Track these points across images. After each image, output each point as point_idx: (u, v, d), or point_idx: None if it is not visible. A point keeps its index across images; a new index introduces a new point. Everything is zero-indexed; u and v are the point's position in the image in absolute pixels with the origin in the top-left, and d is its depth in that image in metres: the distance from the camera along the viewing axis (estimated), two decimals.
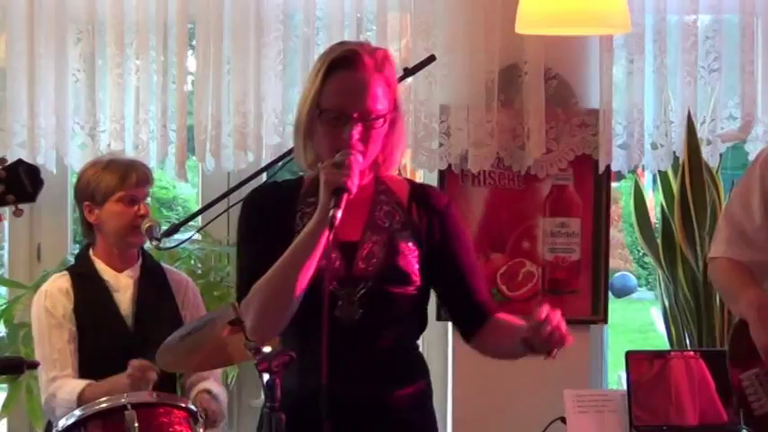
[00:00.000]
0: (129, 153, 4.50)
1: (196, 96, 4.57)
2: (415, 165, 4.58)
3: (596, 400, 4.16)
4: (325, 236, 2.67)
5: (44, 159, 4.53)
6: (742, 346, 3.50)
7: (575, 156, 4.52)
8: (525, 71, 4.47)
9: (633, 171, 4.69)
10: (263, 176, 4.16)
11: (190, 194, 8.71)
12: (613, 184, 4.76)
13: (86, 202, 3.87)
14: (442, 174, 4.55)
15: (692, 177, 4.44)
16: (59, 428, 3.53)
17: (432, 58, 4.11)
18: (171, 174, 4.66)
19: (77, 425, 3.51)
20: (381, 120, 2.83)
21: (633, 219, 4.72)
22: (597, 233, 4.57)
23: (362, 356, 2.85)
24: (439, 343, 4.62)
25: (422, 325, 3.02)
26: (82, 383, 3.72)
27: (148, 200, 3.94)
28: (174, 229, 3.98)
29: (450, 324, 4.26)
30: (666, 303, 4.61)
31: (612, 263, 5.23)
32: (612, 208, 4.85)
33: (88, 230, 3.92)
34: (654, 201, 5.09)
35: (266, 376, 2.59)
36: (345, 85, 2.81)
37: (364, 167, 2.81)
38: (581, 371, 4.50)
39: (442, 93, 4.50)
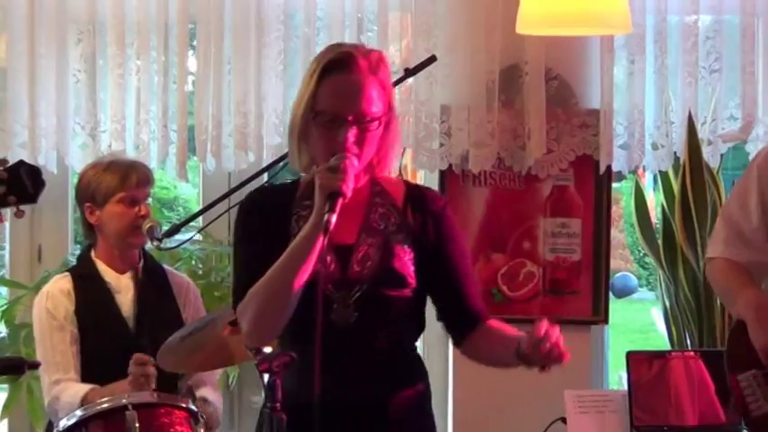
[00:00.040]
0: (130, 153, 4.50)
1: (197, 96, 4.57)
2: (415, 165, 4.58)
3: (597, 400, 4.16)
4: (320, 241, 2.66)
5: (45, 160, 4.53)
6: (740, 347, 3.49)
7: (575, 156, 4.52)
8: (526, 71, 4.47)
9: (634, 171, 4.69)
10: (264, 176, 4.16)
11: (191, 195, 8.71)
12: (614, 185, 4.75)
13: (87, 204, 3.87)
14: (442, 174, 4.55)
15: (693, 178, 4.45)
16: (60, 429, 3.53)
17: (432, 59, 4.11)
18: (172, 174, 4.66)
19: (78, 425, 3.51)
20: (376, 122, 2.81)
21: (634, 219, 4.72)
22: (598, 233, 4.57)
23: (359, 360, 2.84)
24: (439, 343, 4.62)
25: (419, 327, 3.00)
26: (85, 387, 3.72)
27: (149, 200, 3.93)
28: (175, 230, 3.97)
29: None
30: (667, 304, 4.61)
31: (613, 263, 5.23)
32: (613, 208, 4.85)
33: (89, 231, 3.92)
34: (654, 201, 5.09)
35: (267, 377, 2.59)
36: (340, 88, 2.80)
37: (359, 170, 2.80)
38: (582, 371, 4.50)
39: (442, 93, 4.50)
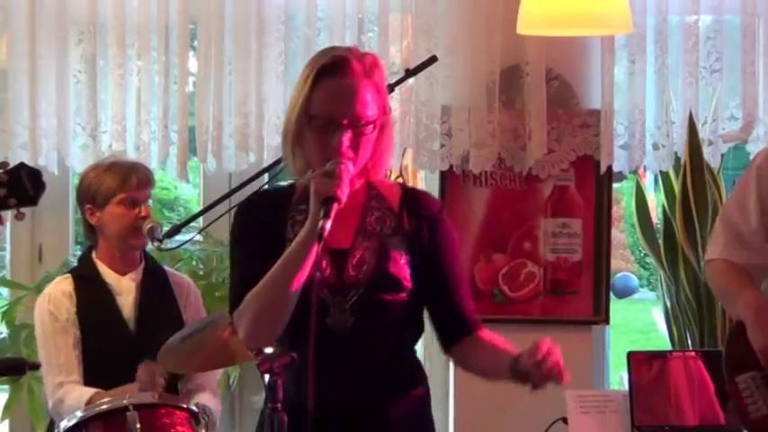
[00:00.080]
0: (131, 154, 4.50)
1: (197, 97, 4.57)
2: (416, 165, 4.58)
3: (598, 400, 4.16)
4: (315, 247, 2.66)
5: (46, 160, 4.53)
6: (739, 349, 3.48)
7: (576, 156, 4.52)
8: (527, 72, 4.47)
9: (634, 171, 4.69)
10: (265, 177, 4.16)
11: (191, 195, 8.72)
12: (615, 185, 4.75)
13: (88, 205, 3.87)
14: (443, 174, 4.55)
15: (694, 178, 4.44)
16: (61, 429, 3.53)
17: (433, 59, 4.11)
18: (172, 174, 4.66)
19: (79, 426, 3.51)
20: (371, 126, 2.80)
21: (635, 219, 4.72)
22: (599, 234, 4.57)
23: (357, 364, 2.83)
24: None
25: (417, 330, 2.98)
26: (90, 391, 3.72)
27: (150, 201, 3.93)
28: (176, 230, 3.97)
29: None
30: (668, 304, 4.61)
31: (614, 263, 5.22)
32: (614, 208, 4.85)
33: (90, 233, 3.92)
34: (655, 201, 5.09)
35: (268, 377, 2.59)
36: (334, 92, 2.78)
37: (354, 174, 2.78)
38: (583, 371, 4.49)
39: (443, 93, 4.50)
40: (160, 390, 3.62)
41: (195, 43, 4.62)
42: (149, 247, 3.94)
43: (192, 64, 4.69)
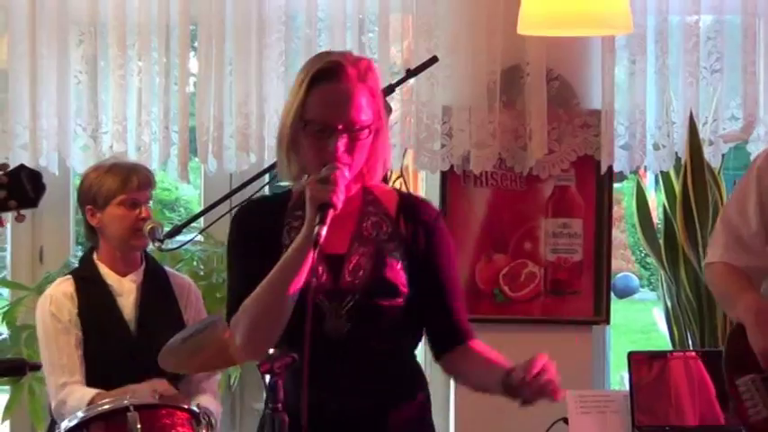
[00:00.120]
0: (132, 155, 4.50)
1: (198, 98, 4.57)
2: (417, 166, 4.58)
3: (599, 400, 4.16)
4: (311, 253, 2.65)
5: (46, 161, 4.53)
6: (739, 351, 3.48)
7: (577, 156, 4.52)
8: (527, 72, 4.47)
9: (635, 172, 4.69)
10: (266, 177, 4.16)
11: (192, 196, 8.73)
12: (615, 185, 4.76)
13: (88, 206, 3.87)
14: (444, 175, 4.55)
15: (694, 178, 4.44)
16: (62, 430, 3.53)
17: (434, 60, 4.11)
18: (173, 175, 4.66)
19: (80, 426, 3.51)
20: (366, 130, 2.79)
21: (635, 219, 4.72)
22: (599, 234, 4.57)
23: (355, 370, 2.82)
24: None
25: (417, 335, 2.96)
26: (92, 392, 3.72)
27: (150, 202, 3.93)
28: (177, 231, 3.97)
29: None
30: (669, 304, 4.61)
31: (615, 263, 5.22)
32: (614, 209, 4.85)
33: (91, 234, 3.92)
34: (656, 201, 5.09)
35: (268, 378, 2.59)
36: (329, 97, 2.77)
37: (350, 179, 2.78)
38: (583, 371, 4.50)
39: (444, 94, 4.50)
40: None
41: (196, 44, 4.62)
42: (150, 247, 3.94)
43: (193, 64, 4.69)
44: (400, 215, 2.90)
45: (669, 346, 4.60)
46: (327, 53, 2.95)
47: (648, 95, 4.52)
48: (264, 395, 2.63)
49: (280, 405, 2.56)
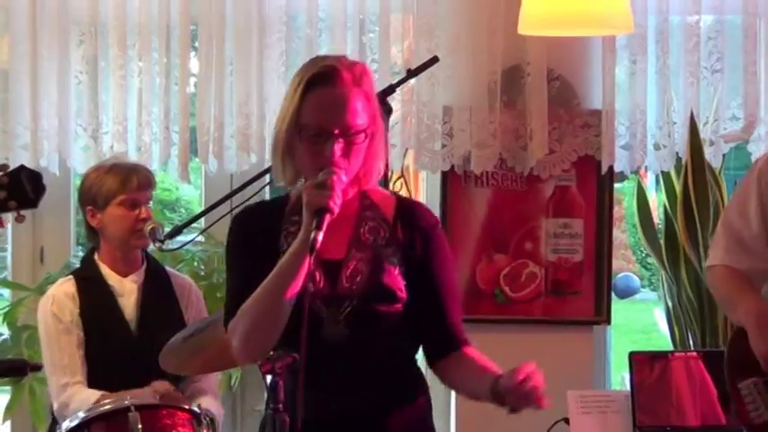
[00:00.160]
0: (132, 155, 4.50)
1: (199, 98, 4.57)
2: (418, 166, 4.58)
3: (600, 400, 4.16)
4: (308, 259, 2.65)
5: (47, 162, 4.53)
6: (740, 355, 3.48)
7: (577, 156, 4.52)
8: (528, 72, 4.47)
9: (636, 172, 4.69)
10: (267, 178, 4.15)
11: (193, 196, 8.74)
12: (616, 185, 4.75)
13: (89, 206, 3.87)
14: (444, 175, 4.55)
15: (695, 178, 4.44)
16: (64, 430, 3.53)
17: (434, 60, 4.10)
18: (174, 175, 4.66)
19: (81, 426, 3.51)
20: (362, 134, 2.78)
21: (636, 219, 4.72)
22: (600, 234, 4.57)
23: (355, 374, 2.81)
24: None
25: (417, 339, 2.94)
26: (96, 394, 3.72)
27: (151, 202, 3.93)
28: (177, 231, 3.97)
29: None
30: (669, 304, 4.61)
31: (615, 264, 5.22)
32: (615, 209, 4.85)
33: (92, 234, 3.92)
34: (657, 201, 5.09)
35: (269, 378, 2.59)
36: (325, 102, 2.76)
37: (346, 184, 2.77)
38: (584, 372, 4.50)
39: (444, 94, 4.50)
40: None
41: (196, 44, 4.62)
42: (151, 248, 3.94)
43: (194, 65, 4.69)
44: (398, 221, 2.89)
45: (670, 347, 4.60)
46: (322, 57, 2.93)
47: (649, 95, 4.52)
48: (265, 396, 2.63)
49: (281, 406, 2.57)
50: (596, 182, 4.55)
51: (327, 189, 2.68)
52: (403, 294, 2.83)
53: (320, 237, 2.63)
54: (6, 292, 5.08)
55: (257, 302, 2.74)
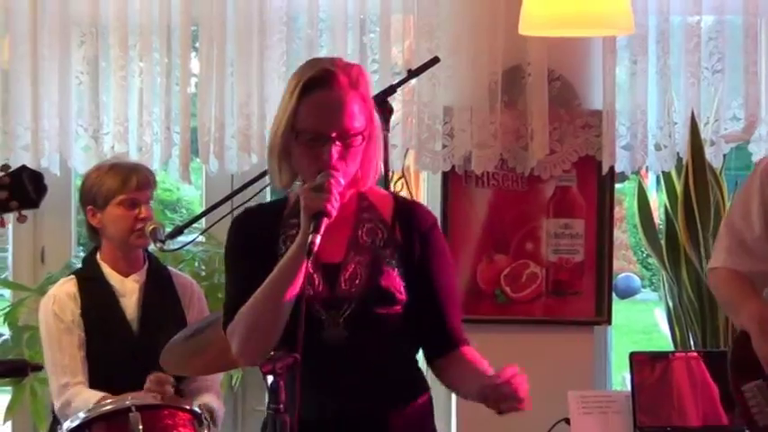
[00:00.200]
0: (133, 155, 4.50)
1: (199, 98, 4.57)
2: (418, 166, 4.58)
3: (600, 401, 4.17)
4: (305, 262, 2.65)
5: (48, 162, 4.54)
6: (743, 358, 3.47)
7: (578, 157, 4.52)
8: (528, 72, 4.47)
9: (637, 172, 4.69)
10: (267, 178, 4.14)
11: (194, 196, 8.74)
12: (617, 186, 4.76)
13: (89, 206, 3.87)
14: (445, 175, 4.55)
15: (696, 178, 4.44)
16: (64, 430, 3.53)
17: (435, 60, 4.11)
18: (174, 176, 4.66)
19: (82, 427, 3.51)
20: (360, 137, 2.78)
21: (637, 220, 4.72)
22: (601, 234, 4.57)
23: (355, 375, 2.81)
24: None
25: (417, 340, 2.93)
26: (97, 395, 3.72)
27: (151, 203, 3.93)
28: (178, 231, 3.97)
29: None
30: (670, 304, 4.61)
31: (616, 264, 5.22)
32: (616, 209, 4.85)
33: (94, 234, 3.92)
34: (657, 202, 5.09)
35: (270, 378, 2.59)
36: (322, 105, 2.76)
37: (344, 187, 2.76)
38: (585, 372, 4.50)
39: (445, 94, 4.50)
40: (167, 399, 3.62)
41: (197, 44, 4.62)
42: (152, 248, 3.94)
43: (194, 65, 4.69)
44: (396, 221, 2.89)
45: (671, 347, 4.60)
46: (318, 60, 2.93)
47: (650, 96, 4.52)
48: (266, 396, 2.63)
49: (281, 406, 2.57)
50: (597, 182, 4.55)
51: (325, 192, 2.68)
52: (402, 296, 2.83)
53: (318, 240, 2.63)
54: (7, 292, 5.08)
55: (256, 305, 2.74)
